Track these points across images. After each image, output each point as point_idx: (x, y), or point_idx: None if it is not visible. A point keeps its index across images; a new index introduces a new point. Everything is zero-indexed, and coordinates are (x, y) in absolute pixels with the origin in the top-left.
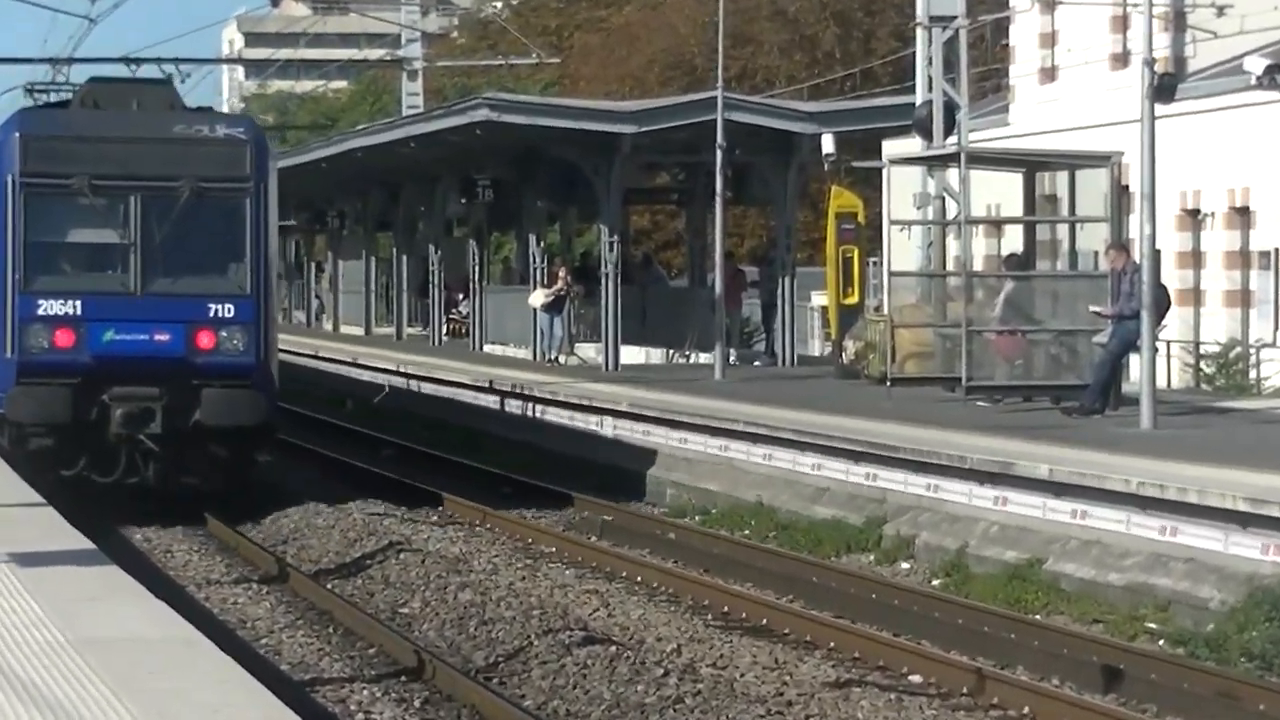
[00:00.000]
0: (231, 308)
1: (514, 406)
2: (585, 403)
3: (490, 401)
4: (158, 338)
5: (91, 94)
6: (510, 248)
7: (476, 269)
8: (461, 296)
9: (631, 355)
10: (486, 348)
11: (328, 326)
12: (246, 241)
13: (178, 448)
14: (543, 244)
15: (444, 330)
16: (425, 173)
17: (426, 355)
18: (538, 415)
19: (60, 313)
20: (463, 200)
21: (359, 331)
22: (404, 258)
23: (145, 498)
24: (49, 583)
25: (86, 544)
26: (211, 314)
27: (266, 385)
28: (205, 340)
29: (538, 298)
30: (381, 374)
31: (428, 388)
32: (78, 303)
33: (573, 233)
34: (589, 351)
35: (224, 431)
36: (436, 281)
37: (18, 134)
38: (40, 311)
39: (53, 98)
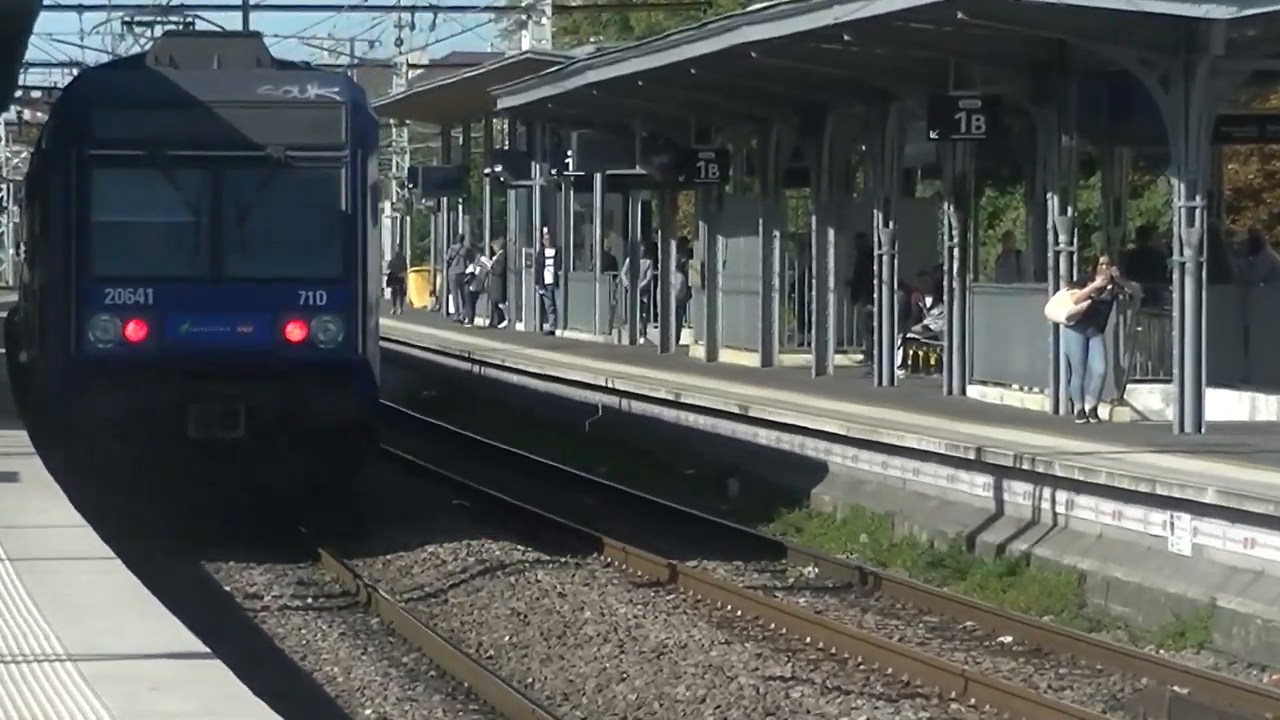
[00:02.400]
0: (325, 294)
1: (1017, 493)
2: (1144, 490)
3: (977, 484)
4: (240, 329)
5: (168, 50)
6: (1016, 217)
7: (954, 252)
8: (929, 301)
9: (1223, 405)
10: (972, 390)
11: (688, 346)
12: (342, 218)
13: (264, 453)
14: (1071, 211)
15: (896, 359)
16: (863, 89)
17: (876, 405)
18: (1061, 510)
19: (130, 302)
20: (932, 135)
21: (749, 361)
22: (827, 232)
23: (226, 513)
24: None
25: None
26: (302, 301)
27: (366, 381)
28: (295, 331)
29: (1061, 305)
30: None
31: (865, 459)
32: (150, 290)
33: (1122, 192)
34: (1151, 397)
35: (317, 434)
36: (885, 274)
37: (82, 98)
38: (108, 300)
39: (156, 33)
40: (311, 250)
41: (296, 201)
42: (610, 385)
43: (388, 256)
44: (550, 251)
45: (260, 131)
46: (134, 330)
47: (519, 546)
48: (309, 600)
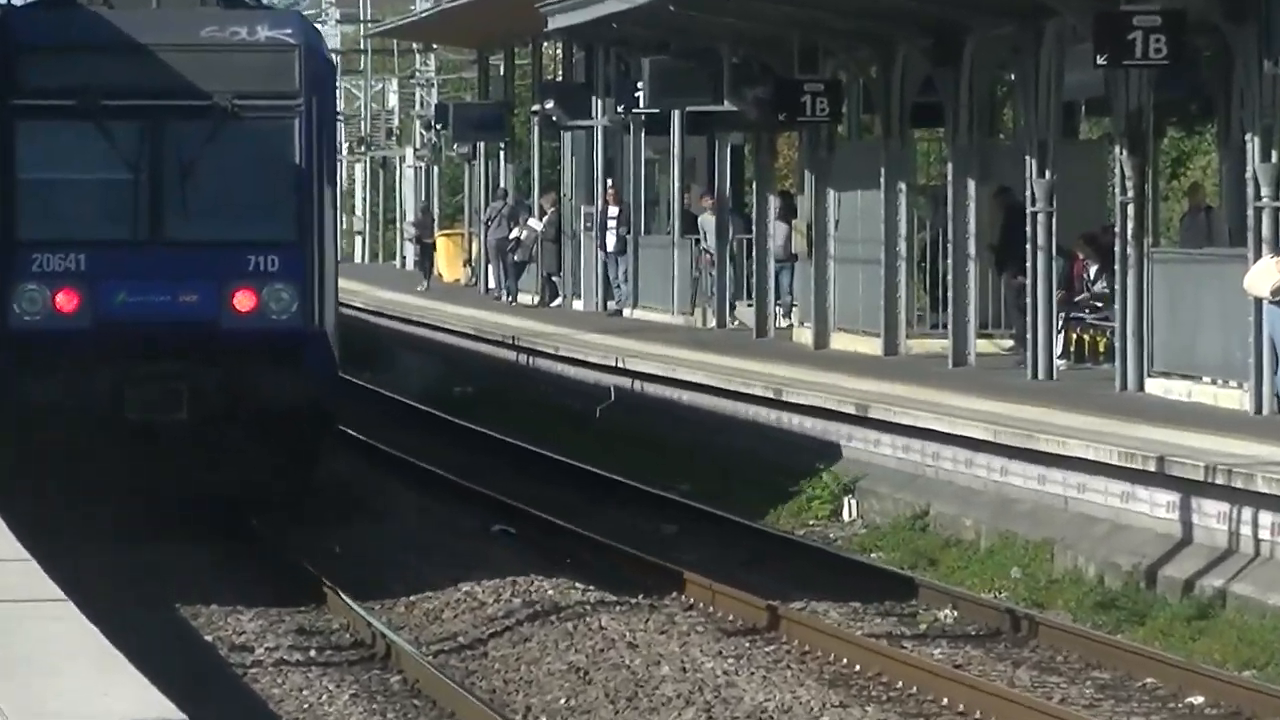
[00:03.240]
0: (277, 259)
1: (1210, 514)
2: None
3: (1158, 504)
4: (183, 298)
5: None
6: (1206, 164)
7: (1128, 209)
8: (1093, 271)
9: None
10: (1152, 384)
11: (791, 329)
12: (297, 174)
13: (210, 439)
14: (1276, 156)
15: (1055, 345)
16: (1013, 2)
17: (1030, 403)
18: (1266, 536)
19: (60, 269)
20: (1099, 60)
21: (868, 348)
22: (966, 184)
23: (167, 510)
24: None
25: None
26: (251, 267)
27: (322, 357)
28: (244, 300)
29: (1265, 276)
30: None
31: (1017, 472)
32: (82, 256)
33: None
34: None
35: (269, 417)
36: (1041, 238)
37: (4, 42)
38: (35, 268)
39: None
40: (262, 211)
41: (245, 156)
42: (687, 379)
43: (410, 215)
44: (614, 210)
45: (205, 78)
46: (64, 300)
47: (578, 584)
48: (312, 653)
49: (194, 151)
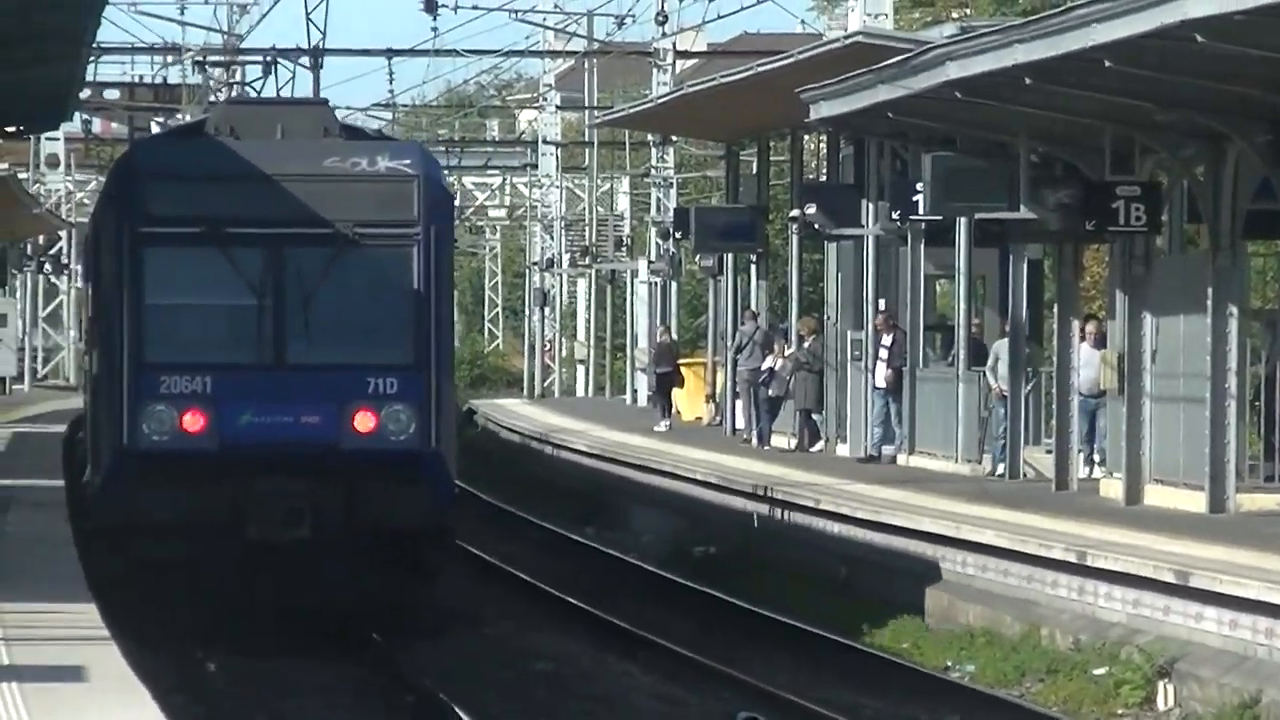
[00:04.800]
0: (395, 382)
1: None
2: None
3: None
4: (305, 419)
5: (228, 118)
6: None
7: None
8: None
9: None
10: None
11: (1098, 482)
12: (415, 300)
13: (330, 555)
14: None
15: None
16: None
17: None
18: None
19: (187, 390)
20: None
21: (1190, 504)
22: None
23: (293, 626)
24: None
25: None
26: (371, 390)
27: (440, 477)
28: (363, 422)
29: None
30: None
31: None
32: (208, 378)
33: None
34: None
35: (387, 534)
36: None
37: (135, 170)
38: (163, 389)
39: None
40: (381, 335)
41: (365, 282)
42: (972, 539)
43: (643, 341)
44: (888, 339)
45: (326, 207)
46: (191, 421)
47: None
48: None
49: (315, 277)
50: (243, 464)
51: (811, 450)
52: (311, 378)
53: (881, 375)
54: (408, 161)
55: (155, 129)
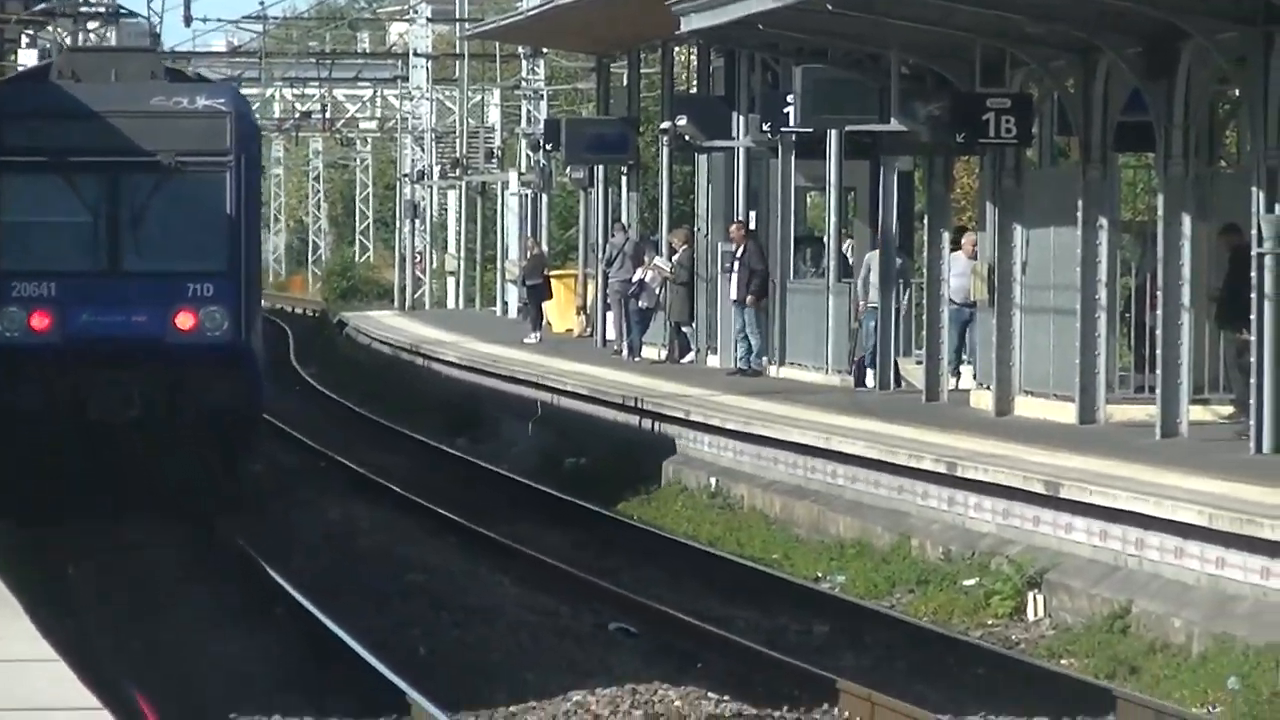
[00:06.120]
0: (211, 287)
1: None
2: None
3: None
4: (135, 319)
5: (70, 64)
6: None
7: None
8: None
9: None
10: None
11: (967, 393)
12: (227, 218)
13: (156, 434)
14: None
15: None
16: (1241, 2)
17: (1253, 482)
18: None
19: (35, 294)
20: None
21: (1060, 415)
22: (1181, 220)
23: (122, 502)
24: None
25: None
26: (190, 293)
27: (250, 367)
28: (184, 320)
29: None
30: None
31: (1235, 565)
32: (53, 284)
33: None
34: None
35: (205, 416)
36: (1270, 286)
37: None
38: (14, 294)
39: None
40: (198, 247)
41: (185, 203)
42: (844, 450)
43: (514, 253)
44: (740, 250)
45: (153, 139)
46: (38, 320)
47: (710, 694)
48: None
49: (144, 199)
50: (82, 356)
51: (682, 362)
52: (140, 283)
53: (733, 288)
54: (221, 100)
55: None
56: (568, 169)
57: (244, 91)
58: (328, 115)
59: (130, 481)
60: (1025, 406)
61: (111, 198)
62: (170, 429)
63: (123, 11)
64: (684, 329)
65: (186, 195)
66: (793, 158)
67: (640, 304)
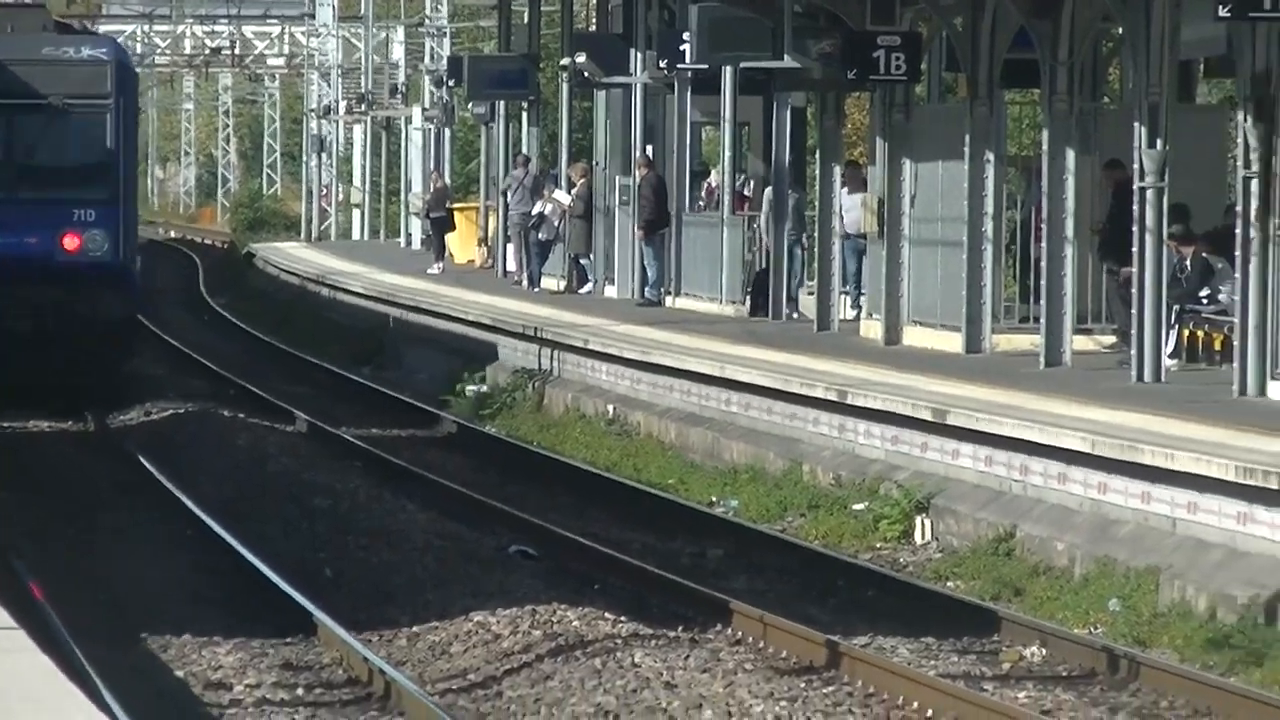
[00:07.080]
0: (93, 213)
1: None
2: None
3: None
4: (28, 240)
5: None
6: None
7: (1251, 186)
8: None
9: None
10: (1276, 389)
11: (858, 323)
12: (108, 154)
13: (50, 342)
14: None
15: (1166, 343)
16: None
17: (1135, 410)
18: None
19: None
20: (1221, 11)
21: (948, 345)
22: (1065, 155)
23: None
24: None
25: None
26: (76, 219)
27: (129, 283)
28: (70, 242)
29: None
30: None
31: (1117, 489)
32: None
33: None
34: None
35: (92, 325)
36: (1150, 218)
37: None
38: None
39: None
40: (83, 178)
41: (72, 139)
42: (739, 379)
43: (417, 186)
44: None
45: (43, 84)
46: None
47: (607, 615)
48: (299, 691)
49: (35, 136)
50: None
51: (580, 292)
52: (32, 210)
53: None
54: (104, 50)
55: None
56: (470, 104)
57: (156, 28)
58: (237, 52)
59: (29, 381)
60: (914, 336)
61: (8, 135)
62: (61, 336)
63: None
64: (582, 261)
65: (72, 133)
66: (689, 94)
67: (540, 236)
